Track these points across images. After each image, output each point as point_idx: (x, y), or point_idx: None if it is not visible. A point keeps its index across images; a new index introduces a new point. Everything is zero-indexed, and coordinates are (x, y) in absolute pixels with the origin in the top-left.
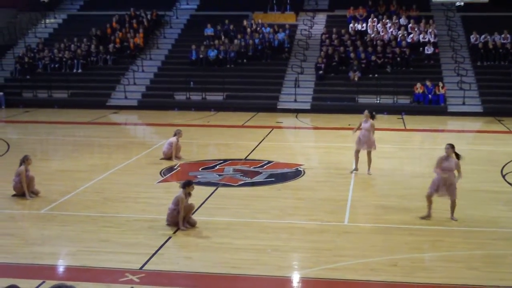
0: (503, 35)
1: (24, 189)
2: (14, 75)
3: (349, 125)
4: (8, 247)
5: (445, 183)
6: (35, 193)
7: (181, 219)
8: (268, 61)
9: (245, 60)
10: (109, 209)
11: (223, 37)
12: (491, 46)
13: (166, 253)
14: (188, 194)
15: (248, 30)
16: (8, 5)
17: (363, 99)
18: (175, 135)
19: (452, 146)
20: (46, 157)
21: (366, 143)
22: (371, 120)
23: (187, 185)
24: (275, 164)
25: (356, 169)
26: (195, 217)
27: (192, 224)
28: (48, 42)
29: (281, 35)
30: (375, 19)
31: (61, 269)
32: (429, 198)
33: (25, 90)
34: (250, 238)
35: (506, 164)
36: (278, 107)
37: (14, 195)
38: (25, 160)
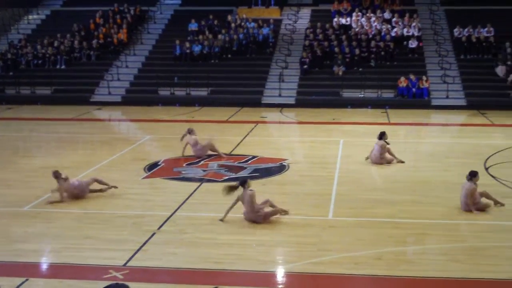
0: (486, 29)
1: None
2: None
3: (333, 119)
4: None
5: None
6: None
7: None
8: (252, 56)
9: (229, 55)
10: (93, 206)
11: (207, 32)
12: (474, 40)
13: (150, 249)
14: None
15: (233, 25)
16: None
17: (347, 93)
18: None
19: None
20: (29, 154)
21: (375, 160)
22: (381, 141)
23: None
24: (259, 159)
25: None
26: (179, 213)
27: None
28: (31, 38)
29: (265, 30)
30: (359, 13)
31: (44, 266)
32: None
33: (8, 86)
34: (234, 233)
35: (489, 157)
36: (263, 101)
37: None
38: (58, 176)
